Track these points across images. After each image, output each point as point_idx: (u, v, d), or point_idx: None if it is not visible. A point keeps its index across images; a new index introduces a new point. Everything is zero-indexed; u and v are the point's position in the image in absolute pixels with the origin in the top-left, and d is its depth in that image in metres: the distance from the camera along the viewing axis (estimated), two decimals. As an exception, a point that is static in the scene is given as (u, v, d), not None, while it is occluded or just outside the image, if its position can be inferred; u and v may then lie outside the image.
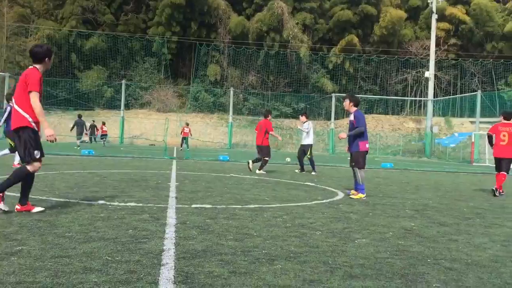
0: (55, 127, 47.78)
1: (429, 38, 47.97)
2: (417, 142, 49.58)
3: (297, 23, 55.08)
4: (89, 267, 3.45)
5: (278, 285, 3.24)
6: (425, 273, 3.74)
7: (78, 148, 25.51)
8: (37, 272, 3.26)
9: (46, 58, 5.82)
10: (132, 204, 6.68)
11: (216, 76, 56.44)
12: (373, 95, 57.02)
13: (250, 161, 14.71)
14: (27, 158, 5.58)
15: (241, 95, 54.80)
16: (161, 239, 4.52)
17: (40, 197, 6.87)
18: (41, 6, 56.62)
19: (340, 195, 9.18)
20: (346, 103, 9.06)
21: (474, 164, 35.41)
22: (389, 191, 10.40)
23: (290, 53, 54.96)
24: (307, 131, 15.30)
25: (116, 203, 6.65)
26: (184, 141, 34.02)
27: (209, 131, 48.82)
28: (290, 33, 53.96)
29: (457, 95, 52.48)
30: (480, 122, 42.20)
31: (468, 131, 46.05)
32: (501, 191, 10.80)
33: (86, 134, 29.04)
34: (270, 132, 14.55)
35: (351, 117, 8.95)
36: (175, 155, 22.57)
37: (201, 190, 8.87)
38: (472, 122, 46.67)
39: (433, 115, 46.77)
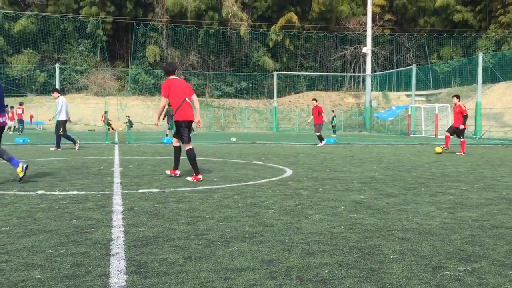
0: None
1: (365, 14, 48.97)
2: (357, 116, 50.89)
3: (236, 1, 54.50)
4: (31, 263, 3.18)
5: (236, 268, 3.12)
6: (381, 245, 3.75)
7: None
8: (-29, 273, 2.97)
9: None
10: (74, 192, 6.34)
11: (156, 57, 55.11)
12: (314, 72, 57.77)
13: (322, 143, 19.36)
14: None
15: (182, 75, 53.87)
16: (109, 227, 4.28)
17: (-28, 191, 6.38)
18: (-39, -14, 52.78)
19: (288, 172, 9.19)
20: None
21: (411, 135, 36.83)
22: (335, 166, 10.53)
23: (230, 31, 54.43)
24: (60, 107, 14.93)
25: (56, 192, 6.29)
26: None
27: (151, 114, 47.76)
28: (229, 11, 53.37)
29: (393, 70, 54.14)
30: (416, 95, 43.82)
31: (404, 104, 47.76)
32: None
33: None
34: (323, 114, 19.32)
35: None
36: (116, 140, 21.87)
37: (147, 174, 8.59)
38: (408, 95, 48.44)
39: (372, 90, 48.08)
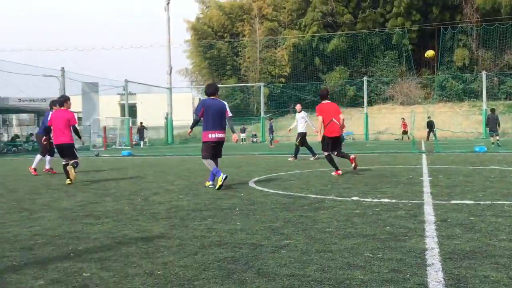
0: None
1: None
2: None
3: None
4: (352, 263, 3.47)
5: None
6: None
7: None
8: (305, 266, 3.43)
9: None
10: (386, 200, 6.57)
11: (464, 61, 52.12)
12: None
13: None
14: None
15: (495, 78, 49.35)
16: (422, 237, 4.28)
17: (299, 194, 7.34)
18: (286, 18, 61.40)
19: None
20: None
21: None
22: None
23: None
24: (305, 120, 16.17)
25: (369, 199, 6.64)
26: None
27: (460, 120, 45.29)
28: (554, -1, 46.15)
29: None
30: None
31: None
32: None
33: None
34: None
35: None
36: (423, 149, 21.57)
37: (458, 184, 8.20)
38: None
39: None
